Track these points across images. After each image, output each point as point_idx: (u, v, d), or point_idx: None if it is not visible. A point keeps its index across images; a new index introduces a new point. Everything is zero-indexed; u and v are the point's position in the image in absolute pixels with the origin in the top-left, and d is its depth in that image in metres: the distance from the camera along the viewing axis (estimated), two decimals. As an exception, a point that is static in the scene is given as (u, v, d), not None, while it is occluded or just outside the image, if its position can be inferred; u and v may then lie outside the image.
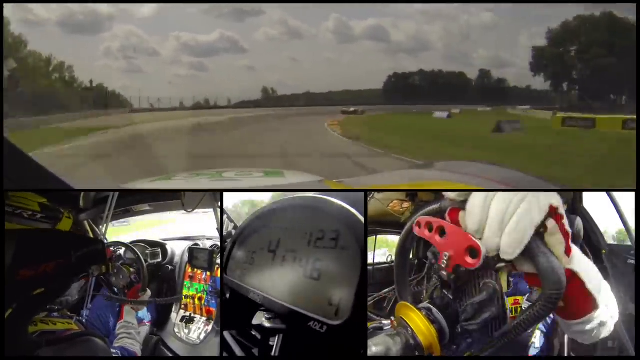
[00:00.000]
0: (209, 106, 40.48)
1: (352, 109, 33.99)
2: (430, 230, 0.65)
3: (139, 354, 1.49)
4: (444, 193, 0.66)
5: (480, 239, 0.59)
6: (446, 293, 0.68)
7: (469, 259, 0.59)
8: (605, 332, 0.68)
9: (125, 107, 35.32)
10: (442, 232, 0.63)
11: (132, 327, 1.57)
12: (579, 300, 0.63)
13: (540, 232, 0.59)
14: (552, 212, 0.58)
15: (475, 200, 0.61)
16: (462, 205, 0.63)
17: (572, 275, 0.61)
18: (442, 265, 0.64)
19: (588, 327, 0.65)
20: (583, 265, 0.63)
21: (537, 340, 1.36)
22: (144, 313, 1.86)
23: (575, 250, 0.62)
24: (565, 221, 0.60)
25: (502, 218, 0.58)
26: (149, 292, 1.73)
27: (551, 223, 0.59)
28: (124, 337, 1.49)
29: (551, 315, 1.26)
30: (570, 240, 0.60)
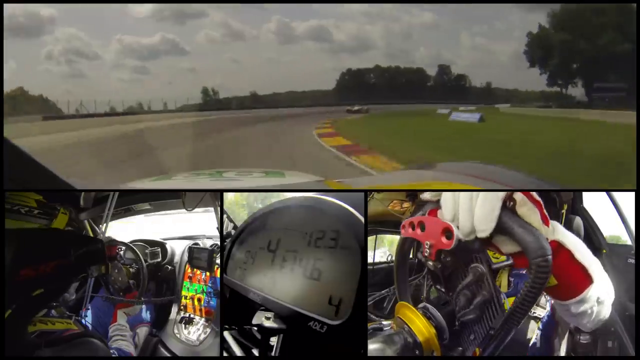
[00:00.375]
0: (143, 111, 35.85)
1: (356, 107, 33.13)
2: (414, 228, 0.70)
3: (134, 354, 1.51)
4: (420, 194, 0.73)
5: (457, 227, 0.63)
6: (440, 288, 0.70)
7: (444, 240, 0.63)
8: (605, 312, 0.67)
9: (51, 112, 30.69)
10: (422, 226, 0.68)
11: (125, 329, 1.59)
12: (570, 273, 0.63)
13: (510, 206, 0.61)
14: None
15: (447, 194, 0.67)
16: (438, 204, 0.68)
17: (558, 246, 0.62)
18: (426, 255, 0.68)
19: (586, 305, 0.65)
20: (569, 237, 0.64)
21: (537, 340, 1.36)
22: (144, 314, 1.86)
23: (556, 223, 0.64)
24: (534, 193, 0.63)
25: (470, 200, 0.63)
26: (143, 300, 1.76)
27: (518, 195, 0.61)
28: (119, 339, 1.51)
29: (549, 310, 1.26)
30: (544, 209, 0.62)
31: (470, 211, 0.62)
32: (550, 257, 0.58)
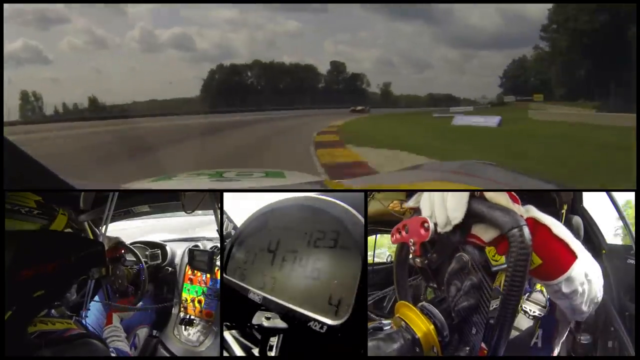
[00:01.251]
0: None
1: (359, 107, 32.77)
2: (400, 232, 0.76)
3: (131, 354, 1.51)
4: (406, 205, 0.81)
5: (435, 223, 0.69)
6: (432, 285, 0.74)
7: (422, 231, 0.70)
8: (596, 290, 0.69)
9: None
10: (406, 228, 0.74)
11: (119, 330, 1.62)
12: (552, 247, 0.65)
13: (478, 194, 0.67)
14: None
15: (424, 195, 0.74)
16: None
17: (535, 223, 0.65)
18: (412, 251, 0.73)
19: (576, 283, 0.67)
20: (544, 215, 0.68)
21: (537, 340, 1.35)
22: (144, 315, 1.86)
23: (529, 205, 0.68)
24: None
25: (441, 195, 0.70)
26: (141, 305, 1.77)
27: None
28: (115, 340, 1.52)
29: (549, 308, 1.26)
30: (512, 195, 0.66)
31: (443, 204, 0.68)
32: (525, 226, 0.60)
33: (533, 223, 0.65)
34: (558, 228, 0.67)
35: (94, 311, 1.71)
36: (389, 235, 2.26)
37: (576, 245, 0.68)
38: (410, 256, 0.76)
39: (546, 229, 0.66)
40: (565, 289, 0.67)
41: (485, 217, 0.64)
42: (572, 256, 0.66)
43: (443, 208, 0.68)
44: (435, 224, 0.69)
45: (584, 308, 0.70)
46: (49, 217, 1.17)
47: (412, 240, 0.72)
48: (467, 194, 0.67)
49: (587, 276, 0.68)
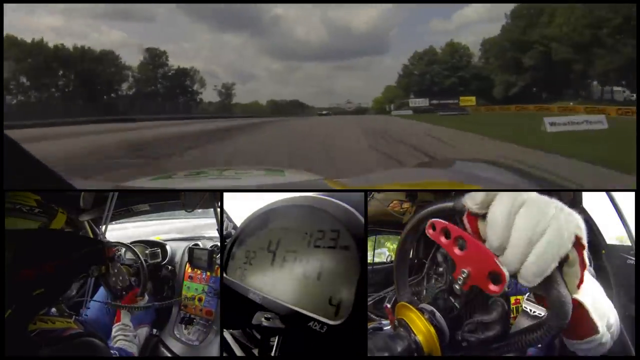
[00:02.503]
0: None
1: (324, 112, 32.42)
2: (447, 237, 0.60)
3: (136, 354, 1.50)
4: (464, 201, 0.60)
5: (499, 255, 0.55)
6: (452, 300, 0.66)
7: (491, 286, 0.55)
8: (603, 350, 0.67)
9: None
10: (461, 244, 0.58)
11: (129, 329, 1.58)
12: (580, 326, 0.62)
13: (560, 262, 0.56)
14: (577, 243, 0.56)
15: (497, 213, 0.56)
16: (483, 218, 0.58)
17: (578, 305, 0.60)
18: (459, 282, 0.59)
19: (586, 347, 0.65)
20: (589, 293, 0.61)
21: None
22: (144, 314, 1.86)
23: (586, 279, 0.60)
24: (586, 252, 0.57)
25: (527, 243, 0.53)
26: (146, 298, 1.74)
27: (573, 253, 0.56)
28: (121, 339, 1.50)
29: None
30: (584, 271, 0.58)
31: (524, 256, 0.54)
32: (567, 322, 0.56)
33: (576, 304, 0.58)
34: (597, 312, 0.62)
35: (97, 310, 1.71)
36: (389, 236, 2.27)
37: (607, 320, 0.64)
38: (451, 278, 0.63)
39: (584, 312, 0.61)
40: (574, 347, 0.66)
41: (547, 289, 0.55)
42: (595, 333, 0.63)
43: (521, 259, 0.54)
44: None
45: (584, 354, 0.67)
46: (49, 215, 1.20)
47: (465, 272, 0.58)
48: (557, 262, 0.54)
49: (600, 344, 0.63)
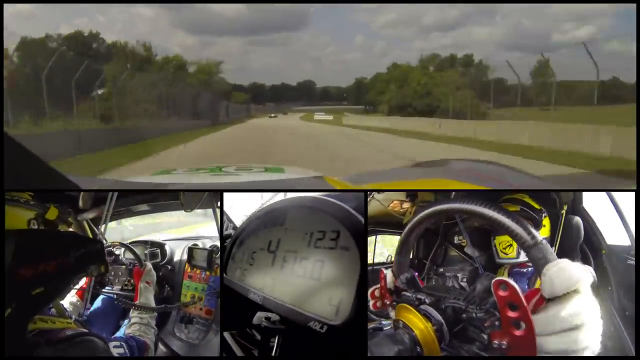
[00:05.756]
0: None
1: (272, 114, 31.21)
2: (514, 309, 0.57)
3: (150, 343, 1.41)
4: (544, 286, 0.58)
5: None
6: (463, 317, 0.67)
7: (515, 331, 0.56)
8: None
9: None
10: (518, 323, 0.56)
11: (145, 319, 1.44)
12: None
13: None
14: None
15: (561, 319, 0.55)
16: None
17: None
18: (486, 326, 0.61)
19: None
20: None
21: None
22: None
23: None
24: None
25: (574, 343, 0.55)
26: (149, 266, 1.65)
27: None
28: (135, 324, 1.41)
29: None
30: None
31: (564, 347, 0.55)
32: None
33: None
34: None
35: (102, 308, 1.71)
36: (389, 236, 2.25)
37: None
38: (479, 309, 0.64)
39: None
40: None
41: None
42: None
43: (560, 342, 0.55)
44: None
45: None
46: (42, 208, 1.26)
47: (504, 344, 0.57)
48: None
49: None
